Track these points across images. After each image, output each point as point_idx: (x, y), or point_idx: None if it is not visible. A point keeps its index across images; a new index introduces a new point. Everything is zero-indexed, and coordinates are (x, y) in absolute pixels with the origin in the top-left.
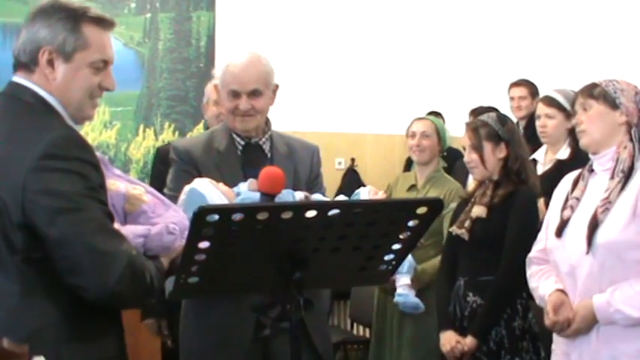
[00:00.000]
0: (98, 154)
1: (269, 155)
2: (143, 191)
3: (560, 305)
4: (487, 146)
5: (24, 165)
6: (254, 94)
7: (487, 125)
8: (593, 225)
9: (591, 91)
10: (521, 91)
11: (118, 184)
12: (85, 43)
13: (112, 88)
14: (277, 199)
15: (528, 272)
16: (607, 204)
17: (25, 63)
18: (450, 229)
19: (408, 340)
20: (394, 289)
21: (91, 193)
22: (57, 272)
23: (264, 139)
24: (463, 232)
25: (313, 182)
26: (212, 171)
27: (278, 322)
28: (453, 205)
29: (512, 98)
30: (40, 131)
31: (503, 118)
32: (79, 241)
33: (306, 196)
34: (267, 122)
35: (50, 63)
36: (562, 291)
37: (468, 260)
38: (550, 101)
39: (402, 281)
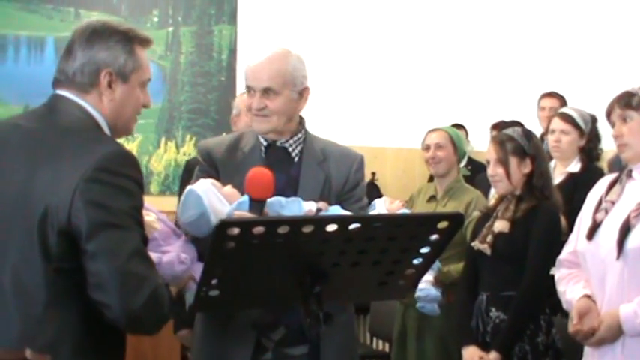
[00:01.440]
0: None
1: (296, 159)
2: (155, 219)
3: (587, 312)
4: (513, 161)
5: (78, 173)
6: (267, 92)
7: (513, 140)
8: (625, 229)
9: (629, 100)
10: (552, 102)
11: None
12: (139, 64)
13: (150, 105)
14: (272, 208)
15: (557, 275)
16: None
17: (81, 83)
18: (472, 244)
19: (430, 355)
20: (413, 302)
21: (135, 213)
22: (84, 285)
23: (291, 142)
24: (485, 247)
25: (348, 194)
26: (232, 173)
27: (281, 346)
28: (476, 214)
29: (542, 108)
30: (95, 143)
31: (528, 134)
32: (114, 259)
33: (318, 209)
34: (301, 123)
35: (110, 84)
36: (590, 297)
37: (490, 275)
38: (567, 118)
39: (425, 277)
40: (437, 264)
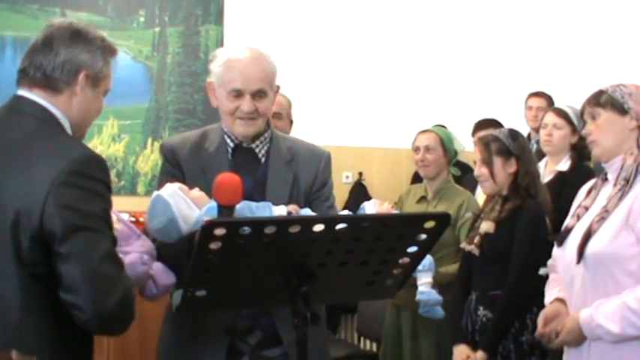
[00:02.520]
0: None
1: (262, 160)
2: (115, 219)
3: (554, 316)
4: (497, 161)
5: (49, 178)
6: (258, 94)
7: (498, 140)
8: (587, 234)
9: (598, 98)
10: (540, 102)
11: None
12: (109, 73)
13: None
14: (241, 214)
15: (549, 279)
16: (604, 213)
17: (56, 80)
18: (461, 245)
19: (425, 356)
20: (407, 305)
21: (106, 216)
22: (56, 289)
23: (257, 142)
24: (473, 248)
25: (317, 193)
26: (197, 174)
27: (258, 349)
28: (468, 215)
29: (529, 108)
30: (65, 147)
31: (514, 134)
32: (86, 261)
33: (289, 212)
34: (268, 122)
35: (83, 88)
36: (562, 301)
37: (479, 275)
38: (561, 113)
39: (424, 279)
40: (434, 266)
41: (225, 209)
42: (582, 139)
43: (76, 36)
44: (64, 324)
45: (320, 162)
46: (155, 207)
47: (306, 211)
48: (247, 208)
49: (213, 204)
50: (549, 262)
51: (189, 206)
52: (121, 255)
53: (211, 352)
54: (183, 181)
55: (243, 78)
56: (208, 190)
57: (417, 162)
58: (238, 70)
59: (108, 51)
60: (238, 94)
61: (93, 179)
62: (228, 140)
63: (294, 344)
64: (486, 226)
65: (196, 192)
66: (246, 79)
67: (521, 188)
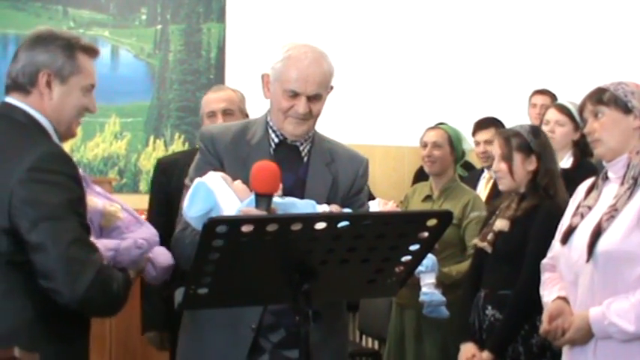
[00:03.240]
0: (81, 171)
1: (305, 159)
2: (119, 208)
3: (559, 314)
4: (517, 157)
5: (13, 176)
6: (315, 97)
7: (519, 135)
8: (596, 233)
9: (600, 96)
10: (544, 99)
11: (96, 200)
12: (79, 69)
13: (94, 111)
14: (284, 208)
15: (542, 279)
16: (613, 212)
17: (22, 84)
18: (474, 242)
19: (429, 356)
20: (411, 305)
21: (71, 205)
22: (35, 276)
23: (302, 140)
24: (486, 245)
25: (353, 198)
26: (237, 165)
27: (279, 348)
28: (474, 214)
29: (533, 105)
30: (28, 146)
31: (536, 130)
32: (55, 248)
33: (330, 212)
34: None
35: (48, 84)
36: (564, 299)
37: (490, 273)
38: (563, 109)
39: (427, 280)
40: (437, 266)
41: (262, 198)
42: (584, 135)
43: (36, 40)
44: (49, 309)
45: (359, 167)
46: (197, 194)
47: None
48: (291, 204)
49: (254, 197)
50: (544, 261)
51: (231, 197)
52: (118, 241)
53: (234, 348)
54: (223, 172)
55: (303, 80)
56: (249, 184)
57: (424, 157)
58: (298, 71)
59: (77, 48)
60: (295, 94)
61: (52, 172)
62: (273, 135)
63: (316, 346)
64: (501, 223)
65: (239, 184)
66: (305, 81)
67: (540, 187)
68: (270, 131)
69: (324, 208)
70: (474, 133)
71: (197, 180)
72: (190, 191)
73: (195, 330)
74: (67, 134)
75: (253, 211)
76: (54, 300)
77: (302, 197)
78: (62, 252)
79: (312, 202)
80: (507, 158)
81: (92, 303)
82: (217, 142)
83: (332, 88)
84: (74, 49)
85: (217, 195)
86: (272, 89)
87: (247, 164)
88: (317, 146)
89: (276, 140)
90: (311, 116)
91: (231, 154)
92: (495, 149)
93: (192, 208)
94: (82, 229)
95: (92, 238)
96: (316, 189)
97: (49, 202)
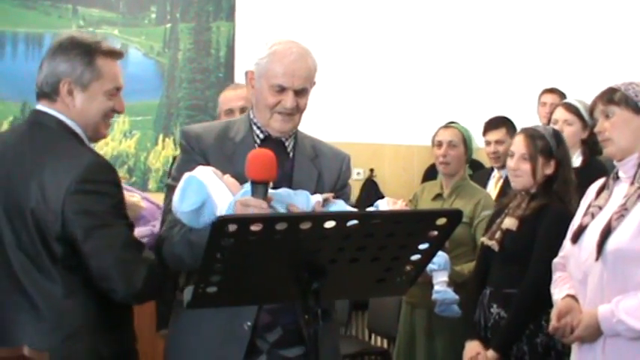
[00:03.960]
0: None
1: (291, 154)
2: (140, 198)
3: (567, 311)
4: (539, 159)
5: (63, 188)
6: (302, 92)
7: (543, 138)
8: (606, 231)
9: (611, 96)
10: (553, 98)
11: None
12: (99, 74)
13: (122, 111)
14: (281, 198)
15: (553, 278)
16: (623, 211)
17: (48, 93)
18: (481, 239)
19: (440, 354)
20: (421, 303)
21: (117, 210)
22: (89, 277)
23: (287, 136)
24: (493, 244)
25: (338, 192)
26: (223, 162)
27: (276, 348)
28: (485, 213)
29: (543, 104)
30: (73, 158)
31: (558, 136)
32: (109, 254)
33: (325, 199)
34: None
35: (70, 92)
36: (573, 297)
37: (496, 271)
38: (571, 108)
39: (440, 278)
40: (449, 264)
41: (259, 186)
42: (593, 134)
43: (58, 49)
44: (104, 304)
45: (342, 163)
46: (187, 188)
47: (341, 202)
48: (286, 194)
49: (247, 189)
50: (555, 260)
51: (223, 190)
52: (149, 227)
53: (229, 348)
54: None
55: (289, 75)
56: (236, 179)
57: (438, 157)
58: (284, 66)
59: (96, 54)
60: (282, 89)
61: (99, 182)
62: (258, 131)
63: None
64: (509, 222)
65: (230, 178)
66: (292, 75)
67: (555, 194)
68: (255, 127)
69: (317, 198)
70: (484, 133)
71: (187, 174)
72: (181, 186)
73: (188, 327)
74: (96, 136)
75: (251, 200)
76: (110, 297)
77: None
78: (117, 256)
79: (306, 192)
80: (533, 158)
81: (146, 296)
82: (202, 141)
83: (314, 83)
84: (94, 54)
85: (210, 188)
86: (257, 85)
87: (233, 161)
88: (300, 142)
89: (261, 136)
90: (298, 111)
91: (217, 152)
92: (518, 147)
93: (184, 202)
94: (129, 230)
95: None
96: (303, 183)
97: (99, 211)
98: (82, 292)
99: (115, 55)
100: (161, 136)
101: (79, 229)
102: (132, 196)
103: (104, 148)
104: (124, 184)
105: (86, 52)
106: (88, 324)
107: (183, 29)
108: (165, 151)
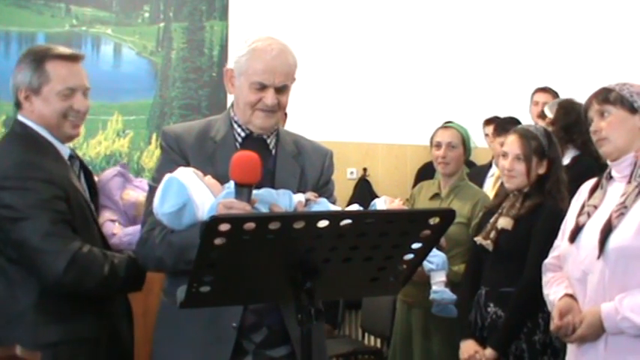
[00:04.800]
0: (119, 168)
1: (273, 152)
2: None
3: (568, 311)
4: (533, 159)
5: None
6: (282, 89)
7: (536, 138)
8: (607, 229)
9: (607, 95)
10: (546, 97)
11: (132, 193)
12: (48, 78)
13: (82, 110)
14: (264, 199)
15: (544, 279)
16: (622, 209)
17: (16, 102)
18: (475, 239)
19: (436, 354)
20: (418, 303)
21: (42, 204)
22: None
23: (268, 134)
24: (488, 243)
25: (322, 189)
26: (204, 162)
27: (262, 348)
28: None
29: (536, 103)
30: (3, 158)
31: (550, 136)
32: (28, 244)
33: (307, 199)
34: None
35: (27, 99)
36: (571, 296)
37: (491, 271)
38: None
39: (437, 278)
40: (447, 264)
41: (243, 188)
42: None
43: (19, 60)
44: (49, 291)
45: (325, 158)
46: (169, 189)
47: (324, 201)
48: (268, 195)
49: (230, 190)
50: (546, 261)
51: (205, 191)
52: (137, 226)
53: (215, 348)
54: None
55: (270, 72)
56: (217, 179)
57: (437, 158)
58: (265, 63)
59: (46, 59)
60: (262, 87)
61: (20, 179)
62: (239, 129)
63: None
64: (504, 222)
65: (211, 179)
66: (272, 73)
67: (547, 193)
68: (236, 126)
69: (299, 198)
70: (497, 135)
71: (167, 176)
72: (161, 187)
73: (173, 329)
74: (64, 136)
75: (234, 203)
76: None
77: (272, 188)
78: (34, 246)
79: (289, 191)
80: (528, 159)
81: (75, 284)
82: (182, 141)
83: (295, 79)
84: (42, 60)
85: (191, 189)
86: (237, 84)
87: (214, 161)
88: (282, 139)
89: (243, 135)
90: (279, 108)
91: (197, 152)
92: (512, 148)
93: (165, 204)
94: (54, 223)
95: (117, 226)
96: (286, 180)
97: (21, 205)
98: (22, 282)
99: (69, 58)
100: (154, 136)
101: (3, 222)
102: (142, 196)
103: (97, 147)
104: (135, 184)
105: (35, 59)
106: (27, 312)
107: (176, 28)
108: (159, 151)
